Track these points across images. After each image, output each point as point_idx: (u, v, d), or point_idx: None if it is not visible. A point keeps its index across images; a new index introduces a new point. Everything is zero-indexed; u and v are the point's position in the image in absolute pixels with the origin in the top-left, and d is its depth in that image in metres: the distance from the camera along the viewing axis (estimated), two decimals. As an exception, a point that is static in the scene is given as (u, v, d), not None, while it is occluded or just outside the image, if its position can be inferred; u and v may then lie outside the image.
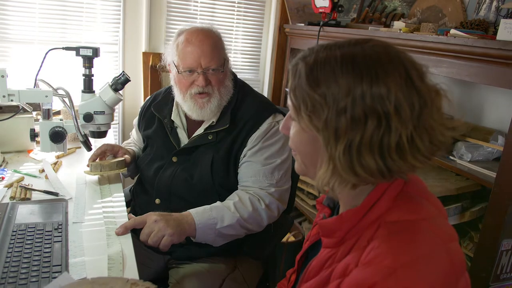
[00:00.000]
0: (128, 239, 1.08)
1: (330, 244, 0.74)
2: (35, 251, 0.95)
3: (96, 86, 1.41)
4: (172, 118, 1.41)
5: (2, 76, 1.28)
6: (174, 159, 1.37)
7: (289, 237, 2.23)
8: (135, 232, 1.37)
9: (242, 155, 1.33)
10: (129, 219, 1.17)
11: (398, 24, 1.76)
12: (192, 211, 1.21)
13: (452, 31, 1.43)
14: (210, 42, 1.30)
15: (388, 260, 0.61)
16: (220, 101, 1.33)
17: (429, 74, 0.68)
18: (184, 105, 1.35)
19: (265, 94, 2.73)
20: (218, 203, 1.26)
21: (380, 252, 0.62)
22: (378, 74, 0.63)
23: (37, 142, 1.47)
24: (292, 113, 0.72)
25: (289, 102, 0.72)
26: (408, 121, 0.63)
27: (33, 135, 1.40)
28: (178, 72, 1.32)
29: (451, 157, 1.53)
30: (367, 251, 0.64)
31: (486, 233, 1.31)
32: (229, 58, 1.40)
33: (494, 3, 1.62)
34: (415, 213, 0.68)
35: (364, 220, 0.69)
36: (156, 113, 1.45)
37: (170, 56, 1.35)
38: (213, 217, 1.21)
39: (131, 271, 0.96)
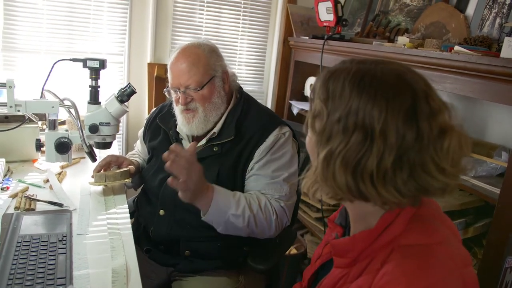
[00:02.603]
0: (132, 251, 1.08)
1: (342, 264, 0.74)
2: (39, 263, 0.95)
3: (102, 96, 1.42)
4: (177, 130, 1.42)
5: (10, 87, 1.29)
6: (179, 170, 1.38)
7: (291, 250, 2.22)
8: (138, 243, 1.38)
9: (249, 168, 1.33)
10: None
11: (402, 39, 1.77)
12: (216, 192, 1.20)
13: (456, 47, 1.44)
14: (188, 61, 1.31)
15: (402, 285, 0.61)
16: (206, 116, 1.34)
17: (448, 114, 0.66)
18: (178, 118, 1.39)
19: (269, 106, 2.74)
20: (240, 193, 1.27)
21: (393, 277, 0.62)
22: (377, 95, 0.64)
23: (42, 152, 1.48)
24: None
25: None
26: (392, 149, 0.62)
27: (39, 145, 1.41)
28: (168, 89, 1.38)
29: (455, 172, 1.52)
30: (380, 274, 0.64)
31: (490, 250, 1.30)
32: (229, 70, 1.40)
33: (498, 20, 1.63)
34: (430, 236, 0.67)
35: (378, 242, 0.69)
36: (162, 124, 1.46)
37: None
38: (232, 202, 1.22)
39: (135, 285, 0.96)
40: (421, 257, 0.64)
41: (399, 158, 0.62)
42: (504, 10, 1.62)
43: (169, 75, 1.36)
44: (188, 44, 1.36)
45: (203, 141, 1.38)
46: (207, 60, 1.34)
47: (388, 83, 0.65)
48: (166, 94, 1.41)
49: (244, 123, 1.36)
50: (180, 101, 1.33)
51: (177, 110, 1.37)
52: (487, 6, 1.69)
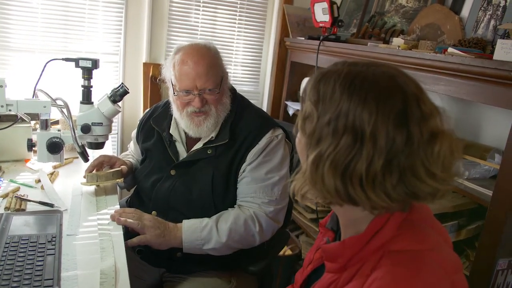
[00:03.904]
0: (122, 252, 1.08)
1: (333, 269, 0.73)
2: (27, 264, 0.94)
3: (96, 96, 1.41)
4: (170, 132, 1.41)
5: (1, 86, 1.28)
6: (172, 172, 1.37)
7: (286, 251, 2.22)
8: (134, 249, 1.37)
9: (241, 170, 1.33)
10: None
11: (397, 41, 1.77)
12: (185, 227, 1.26)
13: (450, 49, 1.43)
14: (206, 63, 1.29)
15: None
16: (217, 118, 1.34)
17: (439, 119, 0.65)
18: (181, 122, 1.37)
19: (265, 106, 2.74)
20: (212, 222, 1.27)
21: (383, 283, 0.61)
22: (367, 98, 0.63)
23: (35, 152, 1.48)
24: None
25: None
26: (382, 152, 0.61)
27: (31, 145, 1.40)
28: (174, 92, 1.33)
29: (448, 174, 1.52)
30: (370, 280, 0.63)
31: (482, 252, 1.30)
32: (228, 72, 1.41)
33: (492, 22, 1.63)
34: (421, 242, 0.67)
35: (368, 247, 0.68)
36: (155, 126, 1.45)
37: (168, 73, 1.36)
38: (201, 238, 1.25)
39: (124, 286, 0.95)
40: (412, 263, 0.63)
41: (388, 162, 0.62)
42: (499, 12, 1.62)
43: (177, 76, 1.31)
44: (198, 45, 1.34)
45: (200, 144, 1.37)
46: (218, 61, 1.34)
47: (379, 85, 0.64)
48: (172, 97, 1.36)
49: (238, 125, 1.36)
50: (194, 103, 1.30)
51: (183, 113, 1.33)
52: (482, 8, 1.69)
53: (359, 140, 0.62)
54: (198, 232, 1.25)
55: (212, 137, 1.35)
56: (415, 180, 0.63)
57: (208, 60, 1.30)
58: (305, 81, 2.53)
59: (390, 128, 0.61)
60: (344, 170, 0.63)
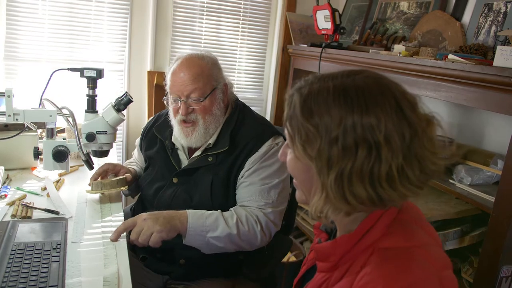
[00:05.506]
0: (125, 259, 1.09)
1: (324, 268, 0.75)
2: (32, 270, 0.96)
3: (101, 103, 1.43)
4: (172, 140, 1.43)
5: (9, 96, 1.31)
6: (175, 180, 1.39)
7: (290, 257, 2.22)
8: (134, 251, 1.39)
9: (240, 177, 1.34)
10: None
11: (398, 48, 1.78)
12: (190, 212, 1.24)
13: (450, 56, 1.44)
14: (194, 71, 1.32)
15: (379, 286, 0.62)
16: (206, 129, 1.35)
17: (421, 104, 0.70)
18: (174, 129, 1.40)
19: (268, 113, 2.75)
20: (218, 212, 1.27)
21: (371, 279, 0.63)
22: (368, 105, 0.65)
23: (41, 160, 1.50)
24: (288, 142, 0.75)
25: (285, 131, 0.74)
26: (398, 150, 0.64)
27: (37, 154, 1.43)
28: (166, 98, 1.38)
29: (451, 181, 1.52)
30: (360, 276, 0.65)
31: (485, 259, 1.30)
32: (228, 82, 1.42)
33: (493, 28, 1.64)
34: (409, 240, 0.69)
35: (358, 246, 0.70)
36: (158, 134, 1.47)
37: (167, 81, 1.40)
38: (206, 225, 1.23)
39: (127, 293, 0.96)
40: (400, 259, 0.65)
41: (407, 156, 0.65)
42: (500, 18, 1.62)
43: (169, 84, 1.37)
44: (192, 55, 1.37)
45: (199, 152, 1.39)
46: (210, 72, 1.35)
47: (372, 92, 0.66)
48: (165, 102, 1.41)
49: (239, 133, 1.37)
50: (180, 111, 1.33)
51: (175, 121, 1.38)
52: (483, 15, 1.69)
53: (375, 148, 0.64)
54: (204, 218, 1.24)
55: (210, 144, 1.36)
56: (429, 163, 0.67)
57: (197, 68, 1.33)
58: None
59: (396, 126, 0.64)
60: (370, 177, 0.65)
